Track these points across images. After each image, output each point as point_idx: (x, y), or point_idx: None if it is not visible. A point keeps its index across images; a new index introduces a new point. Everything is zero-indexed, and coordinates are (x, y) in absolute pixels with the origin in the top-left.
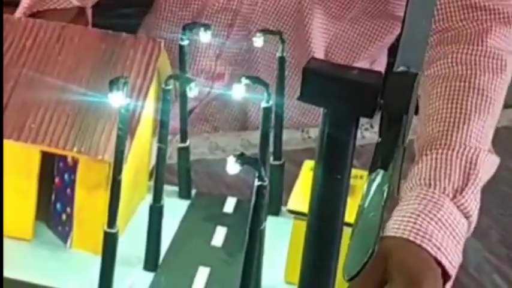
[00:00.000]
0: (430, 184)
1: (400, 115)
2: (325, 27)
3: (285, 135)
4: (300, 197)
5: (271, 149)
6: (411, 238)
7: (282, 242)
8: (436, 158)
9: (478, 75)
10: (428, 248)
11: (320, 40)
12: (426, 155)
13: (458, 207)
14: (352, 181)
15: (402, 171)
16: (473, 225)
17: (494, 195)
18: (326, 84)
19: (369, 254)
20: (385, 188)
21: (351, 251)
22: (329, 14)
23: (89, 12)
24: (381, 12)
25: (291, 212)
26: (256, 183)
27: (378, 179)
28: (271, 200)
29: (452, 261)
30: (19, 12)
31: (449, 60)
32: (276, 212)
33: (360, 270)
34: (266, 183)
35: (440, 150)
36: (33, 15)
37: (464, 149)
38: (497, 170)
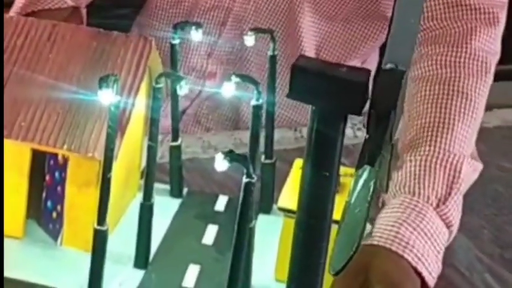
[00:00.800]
0: (413, 192)
1: (388, 112)
2: (316, 27)
3: (277, 134)
4: (291, 195)
5: (262, 148)
6: (393, 248)
7: (273, 240)
8: (420, 165)
9: (462, 78)
10: (410, 259)
11: (311, 39)
12: (410, 161)
13: (440, 216)
14: (341, 179)
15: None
16: (453, 235)
17: (487, 194)
18: (314, 81)
19: (354, 248)
20: (372, 184)
21: (337, 246)
22: (320, 14)
23: (83, 12)
24: (372, 12)
25: (281, 209)
26: (244, 180)
27: (365, 175)
28: (263, 198)
29: (432, 272)
30: (13, 12)
31: (434, 62)
32: (268, 211)
33: (346, 265)
34: (254, 180)
35: (424, 157)
36: (27, 15)
37: (449, 156)
38: (490, 169)
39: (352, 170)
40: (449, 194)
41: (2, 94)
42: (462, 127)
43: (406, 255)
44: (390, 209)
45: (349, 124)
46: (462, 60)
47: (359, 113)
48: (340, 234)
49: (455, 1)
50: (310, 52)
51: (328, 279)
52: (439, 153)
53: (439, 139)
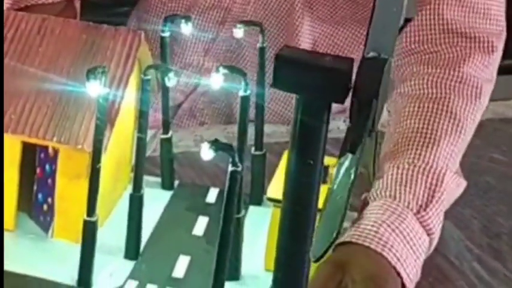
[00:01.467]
0: (394, 196)
1: (370, 100)
2: (312, 29)
3: (269, 128)
4: (280, 185)
5: (252, 140)
6: (372, 246)
7: (263, 231)
8: (402, 174)
9: (451, 99)
10: (389, 258)
11: (308, 41)
12: (392, 168)
13: (421, 223)
14: (330, 170)
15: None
16: (434, 243)
17: (477, 186)
18: (298, 70)
19: (334, 235)
20: (352, 172)
21: (318, 232)
22: (317, 16)
23: (77, 5)
24: (368, 18)
25: (270, 199)
26: (230, 168)
27: (347, 163)
28: (253, 189)
29: (410, 274)
30: (5, 5)
31: (425, 81)
32: (258, 202)
33: (326, 251)
34: (239, 168)
35: (406, 166)
36: (20, 10)
37: (431, 167)
38: (482, 161)
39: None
40: (431, 201)
41: (2, 91)
42: (448, 145)
43: (385, 254)
44: (369, 211)
45: (342, 118)
46: (453, 83)
47: (342, 102)
48: (322, 221)
49: (451, 28)
50: None
51: (313, 266)
52: (421, 163)
53: (423, 152)
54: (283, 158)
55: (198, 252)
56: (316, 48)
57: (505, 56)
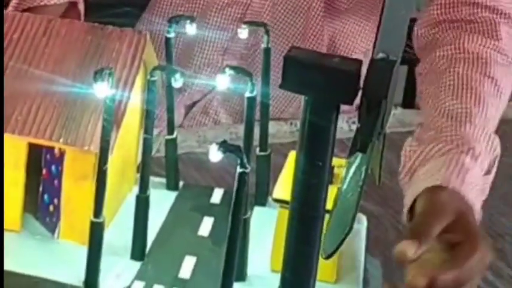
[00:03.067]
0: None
1: (379, 100)
2: (332, 25)
3: (273, 128)
4: (285, 186)
5: (257, 141)
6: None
7: (268, 232)
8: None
9: (491, 65)
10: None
11: (327, 37)
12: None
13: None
14: (336, 170)
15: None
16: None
17: None
18: (307, 72)
19: (346, 231)
20: (363, 169)
21: (330, 230)
22: (337, 12)
23: (81, 6)
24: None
25: (276, 200)
26: (238, 170)
27: (357, 162)
28: (258, 190)
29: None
30: (10, 7)
31: (461, 44)
32: (263, 203)
33: (338, 247)
34: (248, 170)
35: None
36: (24, 11)
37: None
38: None
39: (345, 162)
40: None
41: (2, 91)
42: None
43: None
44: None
45: (344, 118)
46: (489, 50)
47: (351, 103)
48: (333, 218)
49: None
50: (323, 48)
51: (322, 267)
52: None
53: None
54: (288, 158)
55: (204, 252)
56: (334, 43)
57: None
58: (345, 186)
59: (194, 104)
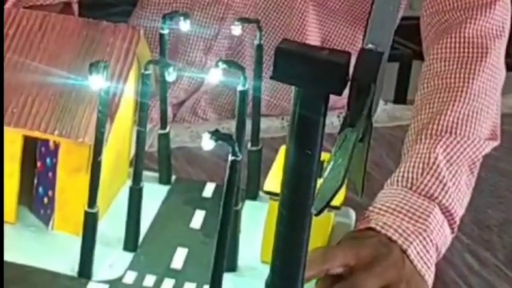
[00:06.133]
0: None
1: (368, 84)
2: (319, 23)
3: (264, 123)
4: (276, 179)
5: (249, 136)
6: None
7: (259, 225)
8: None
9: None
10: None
11: (313, 35)
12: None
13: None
14: (325, 164)
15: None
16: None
17: None
18: (297, 63)
19: (336, 188)
20: (354, 137)
21: (320, 192)
22: (323, 10)
23: (75, 6)
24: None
25: (267, 193)
26: (230, 158)
27: (347, 135)
28: (249, 184)
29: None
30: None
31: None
32: (254, 197)
33: (328, 203)
34: (239, 158)
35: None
36: None
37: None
38: None
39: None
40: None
41: (2, 88)
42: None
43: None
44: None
45: (335, 113)
46: (456, 49)
47: (340, 93)
48: (323, 181)
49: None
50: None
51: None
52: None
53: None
54: (279, 153)
55: (195, 244)
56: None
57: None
58: (336, 154)
59: (182, 103)
